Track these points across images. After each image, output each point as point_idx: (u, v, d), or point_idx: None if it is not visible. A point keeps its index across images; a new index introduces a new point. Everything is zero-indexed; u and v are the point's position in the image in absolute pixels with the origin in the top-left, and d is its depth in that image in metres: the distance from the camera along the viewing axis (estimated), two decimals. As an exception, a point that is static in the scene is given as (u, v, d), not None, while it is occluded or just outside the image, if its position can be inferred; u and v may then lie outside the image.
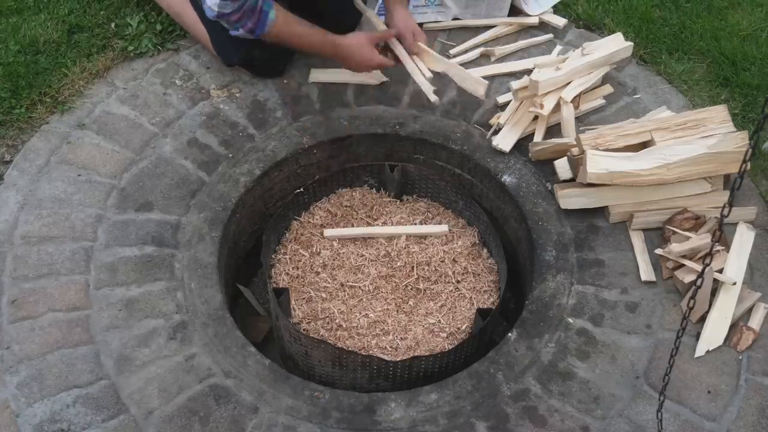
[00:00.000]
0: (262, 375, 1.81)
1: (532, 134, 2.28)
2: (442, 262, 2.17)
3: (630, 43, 2.40)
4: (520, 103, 2.30)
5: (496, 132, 2.29)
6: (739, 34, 2.62)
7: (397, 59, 2.23)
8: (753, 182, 2.20)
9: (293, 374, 1.85)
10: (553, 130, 2.31)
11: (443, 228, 2.24)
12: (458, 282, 2.14)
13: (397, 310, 2.08)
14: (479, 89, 2.18)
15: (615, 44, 2.38)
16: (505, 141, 2.26)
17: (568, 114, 2.26)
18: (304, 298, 2.10)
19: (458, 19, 2.67)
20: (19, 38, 2.48)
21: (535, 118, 2.29)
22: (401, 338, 2.02)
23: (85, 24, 2.56)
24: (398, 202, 2.34)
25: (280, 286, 2.10)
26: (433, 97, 2.15)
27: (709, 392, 1.81)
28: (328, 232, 2.22)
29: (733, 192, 1.37)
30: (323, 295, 2.10)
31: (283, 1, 2.17)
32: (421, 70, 2.19)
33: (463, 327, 2.04)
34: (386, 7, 2.28)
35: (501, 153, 2.26)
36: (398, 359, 1.91)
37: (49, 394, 1.76)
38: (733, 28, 2.64)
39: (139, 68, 2.46)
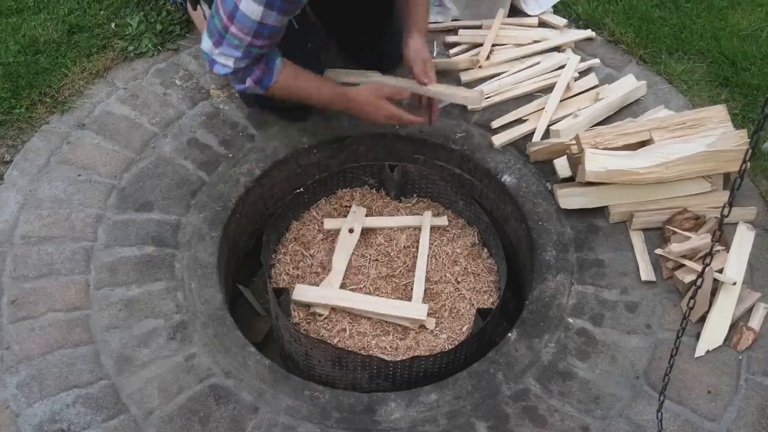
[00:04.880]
0: (262, 375, 1.81)
1: (532, 133, 2.29)
2: (442, 262, 2.17)
3: (643, 82, 2.40)
4: None
5: None
6: (739, 34, 2.62)
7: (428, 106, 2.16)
8: (753, 182, 2.20)
9: (293, 374, 1.84)
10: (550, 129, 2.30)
11: (442, 220, 2.25)
12: (458, 282, 2.14)
13: (397, 310, 2.08)
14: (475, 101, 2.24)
15: (629, 84, 2.40)
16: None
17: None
18: (304, 298, 2.10)
19: (458, 19, 2.67)
20: (19, 38, 2.48)
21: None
22: (401, 338, 2.02)
23: (85, 24, 2.56)
24: (398, 202, 2.34)
25: (280, 286, 2.10)
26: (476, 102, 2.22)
27: (709, 392, 1.81)
28: (328, 223, 2.23)
29: (733, 192, 1.37)
30: (323, 295, 2.10)
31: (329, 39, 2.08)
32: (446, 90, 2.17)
33: (464, 327, 2.04)
34: (404, 38, 2.15)
35: (500, 152, 2.26)
36: (398, 359, 1.91)
37: (49, 394, 1.76)
38: (733, 28, 2.64)
39: (139, 68, 2.46)
